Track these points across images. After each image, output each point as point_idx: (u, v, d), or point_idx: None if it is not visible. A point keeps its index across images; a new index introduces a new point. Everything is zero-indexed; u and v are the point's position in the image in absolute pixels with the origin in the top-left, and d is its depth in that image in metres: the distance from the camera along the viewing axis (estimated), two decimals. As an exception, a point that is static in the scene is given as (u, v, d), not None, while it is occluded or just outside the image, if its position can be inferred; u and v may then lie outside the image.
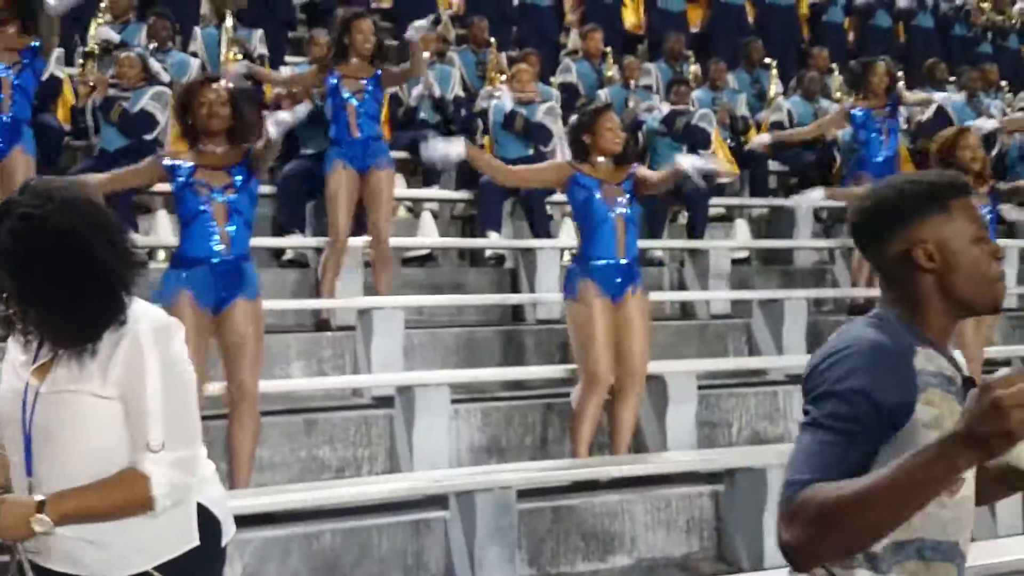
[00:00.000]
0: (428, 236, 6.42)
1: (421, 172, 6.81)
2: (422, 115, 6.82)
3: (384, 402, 4.71)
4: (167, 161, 3.99)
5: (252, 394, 3.90)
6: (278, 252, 6.08)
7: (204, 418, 2.05)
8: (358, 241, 5.47)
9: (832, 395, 1.47)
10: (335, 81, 5.25)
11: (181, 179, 3.90)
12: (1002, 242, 6.04)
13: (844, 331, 1.57)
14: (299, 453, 4.47)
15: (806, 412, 1.50)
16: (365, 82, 5.26)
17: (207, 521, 1.94)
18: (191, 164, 3.90)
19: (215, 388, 3.98)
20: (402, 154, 6.83)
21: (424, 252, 6.48)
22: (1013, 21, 10.58)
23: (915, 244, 1.55)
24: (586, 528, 4.21)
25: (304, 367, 5.06)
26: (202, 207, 3.85)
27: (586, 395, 4.39)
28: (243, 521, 3.60)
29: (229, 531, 2.01)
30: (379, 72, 5.29)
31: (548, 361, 5.46)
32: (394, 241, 5.71)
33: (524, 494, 3.99)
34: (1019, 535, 4.47)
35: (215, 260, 3.87)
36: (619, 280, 4.41)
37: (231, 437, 3.89)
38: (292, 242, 5.86)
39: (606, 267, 4.40)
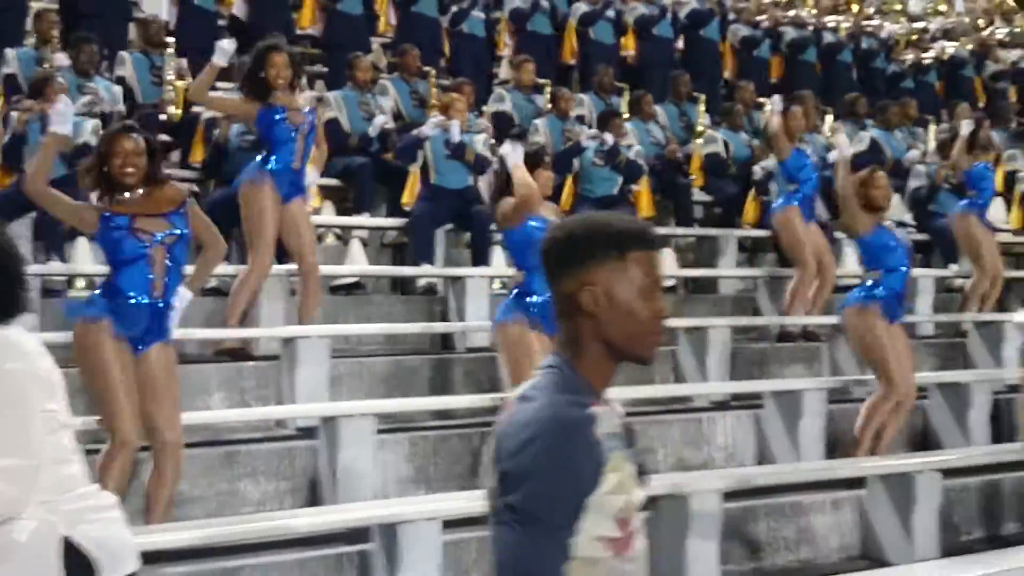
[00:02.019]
0: (357, 264, 6.38)
1: (351, 199, 6.77)
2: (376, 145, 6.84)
3: (308, 433, 4.64)
4: (105, 212, 3.85)
5: (174, 443, 3.85)
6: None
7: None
8: (281, 269, 5.41)
9: (529, 483, 1.48)
10: (282, 114, 5.20)
11: (119, 229, 3.80)
12: (916, 272, 6.20)
13: (532, 396, 1.55)
14: (219, 486, 4.38)
15: (501, 495, 1.51)
16: (306, 113, 5.27)
17: (77, 563, 1.86)
18: (128, 215, 3.81)
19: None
20: (333, 181, 6.80)
21: (352, 280, 6.43)
22: (934, 57, 10.97)
23: (584, 286, 1.56)
24: (512, 558, 4.17)
25: (225, 398, 4.97)
26: (141, 253, 3.79)
27: None
28: (159, 557, 3.53)
29: (118, 572, 1.93)
30: (314, 110, 5.33)
31: (477, 390, 5.45)
32: (322, 269, 5.65)
33: (450, 525, 3.95)
34: (936, 559, 4.57)
35: (144, 302, 3.81)
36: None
37: (151, 483, 3.85)
38: (217, 269, 5.75)
39: (544, 304, 4.42)
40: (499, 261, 6.65)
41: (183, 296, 3.87)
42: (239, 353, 5.26)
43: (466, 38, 8.76)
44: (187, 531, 3.70)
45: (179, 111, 6.80)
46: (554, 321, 1.62)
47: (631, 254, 1.57)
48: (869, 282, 5.23)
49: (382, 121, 6.82)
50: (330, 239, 6.75)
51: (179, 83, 6.78)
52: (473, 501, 4.19)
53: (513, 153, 4.56)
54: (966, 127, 7.26)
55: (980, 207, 7.23)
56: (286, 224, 5.19)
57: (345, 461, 4.34)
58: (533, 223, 4.46)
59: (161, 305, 3.81)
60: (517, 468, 1.50)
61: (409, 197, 6.54)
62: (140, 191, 3.85)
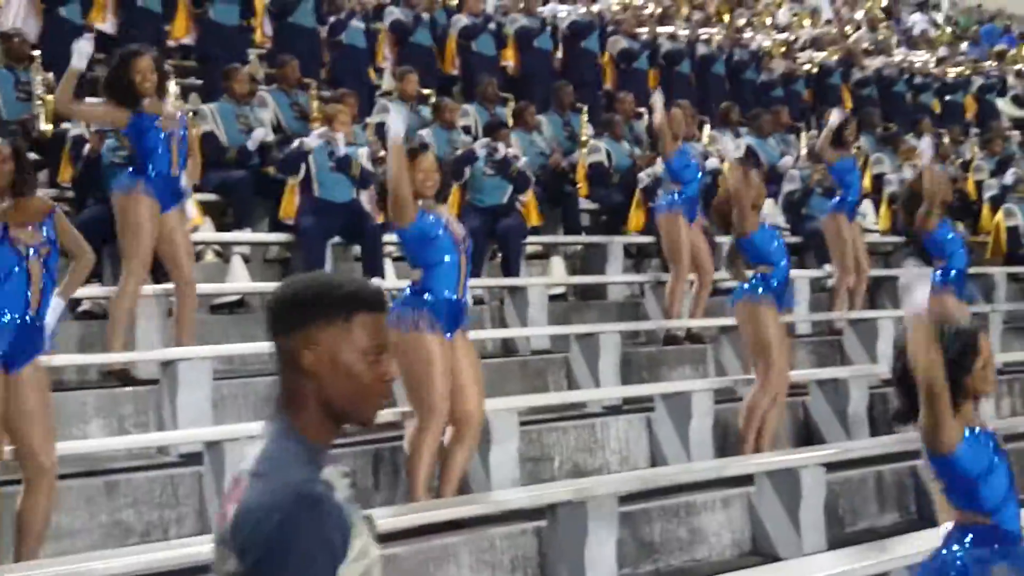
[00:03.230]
0: (239, 281, 6.19)
1: (231, 214, 6.58)
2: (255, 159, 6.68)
3: (192, 459, 4.46)
4: None
5: (50, 468, 3.67)
6: (73, 303, 5.69)
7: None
8: (158, 288, 5.21)
9: (282, 565, 1.45)
10: (154, 121, 5.02)
11: None
12: (794, 273, 6.41)
13: (265, 472, 1.51)
14: (100, 518, 4.19)
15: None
16: (179, 119, 5.13)
17: None
18: (2, 222, 3.62)
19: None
20: (212, 196, 6.60)
21: (234, 298, 6.24)
22: (805, 67, 11.41)
23: (307, 346, 1.55)
24: (410, 576, 4.11)
25: (103, 425, 4.76)
26: (17, 267, 3.62)
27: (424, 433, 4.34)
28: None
29: None
30: (185, 116, 5.19)
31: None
32: (203, 287, 5.47)
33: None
34: (823, 552, 4.71)
35: (18, 320, 3.62)
36: (453, 317, 4.39)
37: (24, 510, 3.65)
38: (89, 291, 5.50)
39: (444, 303, 4.35)
40: (390, 274, 6.57)
41: (56, 306, 3.71)
42: (127, 376, 5.05)
43: (346, 49, 8.65)
44: (67, 565, 3.51)
45: (49, 126, 6.49)
46: (278, 376, 1.58)
47: (357, 317, 1.56)
48: (758, 276, 5.40)
49: (261, 134, 6.67)
50: (210, 256, 6.54)
51: (49, 97, 6.47)
52: (376, 519, 4.13)
53: (394, 133, 4.36)
54: (836, 115, 7.49)
55: (850, 205, 7.49)
56: (163, 235, 5.03)
57: (233, 486, 4.17)
58: (429, 218, 4.37)
59: (35, 320, 3.65)
60: (267, 553, 1.45)
61: (286, 211, 6.39)
62: (7, 202, 3.68)
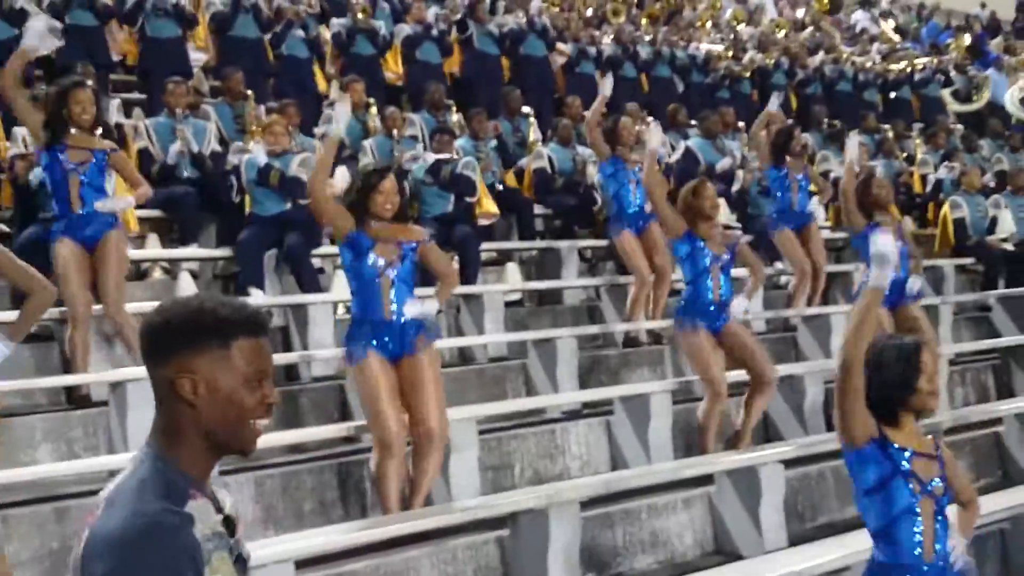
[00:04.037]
0: (187, 297, 6.08)
1: (177, 230, 6.47)
2: (184, 173, 6.55)
3: (145, 481, 4.35)
4: None
5: None
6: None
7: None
8: (100, 309, 5.10)
9: None
10: (60, 154, 4.91)
11: None
12: (739, 272, 6.42)
13: (118, 501, 1.46)
14: (51, 545, 4.07)
15: None
16: (92, 153, 4.98)
17: None
18: None
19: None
20: (156, 212, 6.49)
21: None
22: (747, 70, 11.53)
23: (183, 373, 1.50)
24: (372, 592, 4.06)
25: (52, 450, 4.63)
26: None
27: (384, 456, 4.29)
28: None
29: None
30: (107, 152, 5.05)
31: (327, 420, 5.28)
32: (150, 305, 5.34)
33: (304, 565, 3.79)
34: (784, 548, 4.74)
35: None
36: (396, 339, 4.30)
37: None
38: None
39: (381, 325, 4.28)
40: (341, 285, 6.50)
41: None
42: (86, 400, 4.96)
43: (288, 60, 8.58)
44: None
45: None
46: (155, 405, 1.53)
47: (236, 342, 1.51)
48: (684, 300, 5.37)
49: (177, 147, 6.54)
50: (157, 273, 6.42)
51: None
52: (328, 537, 4.08)
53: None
54: (774, 100, 7.42)
55: (791, 217, 7.33)
56: (95, 265, 4.98)
57: (187, 508, 4.08)
58: (364, 238, 4.29)
59: None
60: None
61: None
62: None
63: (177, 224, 6.54)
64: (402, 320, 4.31)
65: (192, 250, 6.39)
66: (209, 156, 6.70)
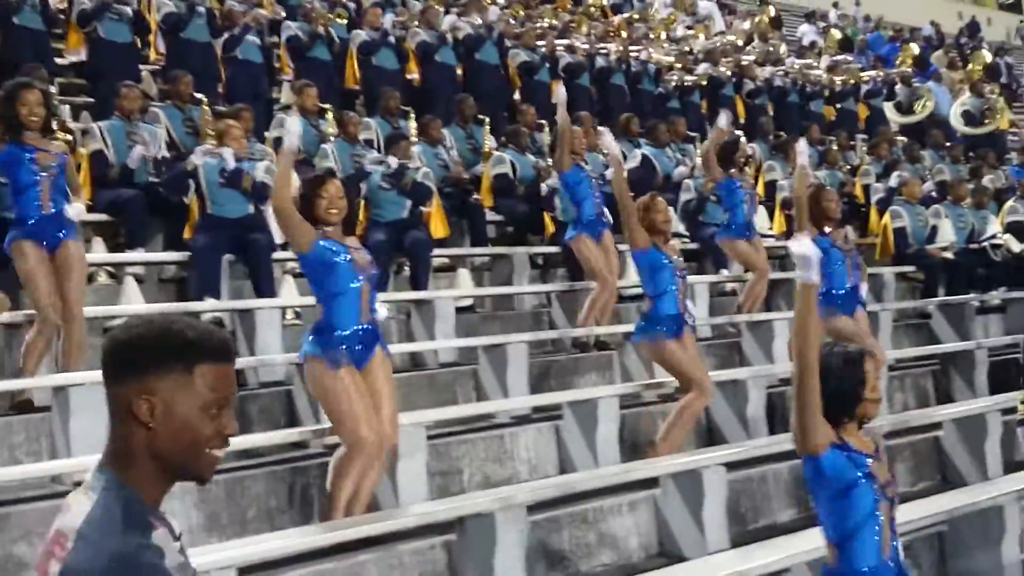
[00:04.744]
0: (132, 303, 6.02)
1: (123, 234, 6.40)
2: (144, 177, 6.50)
3: (88, 487, 4.30)
4: None
5: None
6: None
7: None
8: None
9: None
10: (29, 155, 4.86)
11: None
12: (692, 279, 6.53)
13: (88, 534, 1.43)
14: (-9, 551, 4.00)
15: None
16: (57, 155, 4.96)
17: None
18: None
19: None
20: (103, 216, 6.42)
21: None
22: (701, 80, 11.70)
23: (141, 395, 1.46)
24: (318, 598, 4.05)
25: (-7, 456, 4.55)
26: None
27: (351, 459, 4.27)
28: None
29: None
30: (66, 156, 5.03)
31: (274, 426, 5.26)
32: (94, 310, 5.31)
33: (248, 571, 3.77)
34: (726, 550, 4.81)
35: None
36: (365, 346, 4.26)
37: None
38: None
39: (352, 335, 4.22)
40: (289, 291, 6.48)
41: None
42: (29, 406, 4.88)
43: (241, 64, 8.53)
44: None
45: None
46: (109, 424, 1.50)
47: (199, 368, 1.48)
48: (647, 313, 5.44)
49: (140, 151, 6.50)
50: (103, 278, 6.33)
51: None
52: (272, 543, 4.06)
53: (287, 141, 4.25)
54: (723, 118, 7.46)
55: (739, 229, 7.46)
56: (56, 270, 4.92)
57: (130, 514, 4.04)
58: (329, 245, 4.26)
59: None
60: None
61: (190, 231, 6.27)
62: None
63: (124, 228, 6.47)
64: (372, 325, 4.31)
65: (138, 254, 6.32)
66: (161, 160, 6.66)
